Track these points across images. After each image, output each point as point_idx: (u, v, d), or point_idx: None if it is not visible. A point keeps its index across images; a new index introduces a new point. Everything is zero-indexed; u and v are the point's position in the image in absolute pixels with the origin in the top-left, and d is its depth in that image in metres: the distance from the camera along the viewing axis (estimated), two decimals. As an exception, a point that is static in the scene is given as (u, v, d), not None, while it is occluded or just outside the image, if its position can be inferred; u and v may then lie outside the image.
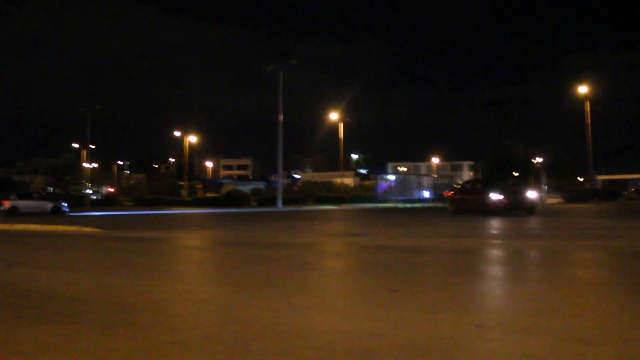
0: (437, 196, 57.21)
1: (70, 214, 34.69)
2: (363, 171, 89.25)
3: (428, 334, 4.02)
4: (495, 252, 10.19)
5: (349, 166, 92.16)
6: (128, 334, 4.18)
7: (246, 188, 71.91)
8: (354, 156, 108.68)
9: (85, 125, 69.45)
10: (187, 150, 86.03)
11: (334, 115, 73.92)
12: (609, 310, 4.94)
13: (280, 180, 55.50)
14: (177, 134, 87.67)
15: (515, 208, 24.37)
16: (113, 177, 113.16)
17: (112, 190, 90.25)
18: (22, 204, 35.47)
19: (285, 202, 52.27)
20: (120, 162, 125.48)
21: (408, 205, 49.97)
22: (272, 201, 53.09)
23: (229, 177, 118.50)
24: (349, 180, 68.41)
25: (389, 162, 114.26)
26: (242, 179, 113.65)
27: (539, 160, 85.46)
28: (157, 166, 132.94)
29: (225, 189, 76.40)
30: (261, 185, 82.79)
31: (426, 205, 49.68)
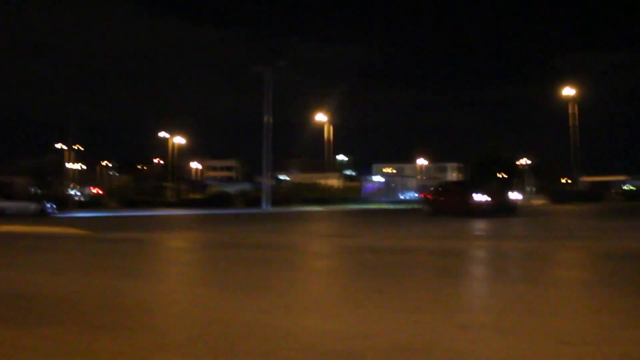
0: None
1: (55, 215, 34.43)
2: (349, 172, 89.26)
3: (412, 335, 4.05)
4: (479, 253, 10.26)
5: (335, 167, 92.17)
6: (112, 335, 4.17)
7: (232, 189, 71.72)
8: (340, 157, 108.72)
9: (70, 125, 69.00)
10: (173, 151, 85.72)
11: (320, 117, 74.03)
12: (589, 311, 5.00)
13: (266, 182, 55.42)
14: (163, 135, 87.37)
15: (498, 210, 23.94)
16: (98, 178, 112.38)
17: (97, 191, 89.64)
18: (6, 205, 35.12)
19: (271, 204, 52.19)
20: (105, 163, 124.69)
21: (393, 206, 50.08)
22: (257, 202, 52.99)
23: (215, 178, 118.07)
24: (335, 182, 68.42)
25: (375, 163, 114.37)
26: (228, 180, 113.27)
27: (524, 162, 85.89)
28: (142, 167, 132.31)
29: (211, 190, 76.09)
30: (247, 186, 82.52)
31: (411, 206, 49.81)
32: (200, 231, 18.24)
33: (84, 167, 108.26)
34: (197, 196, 67.88)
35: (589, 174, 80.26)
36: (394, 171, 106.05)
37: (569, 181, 73.46)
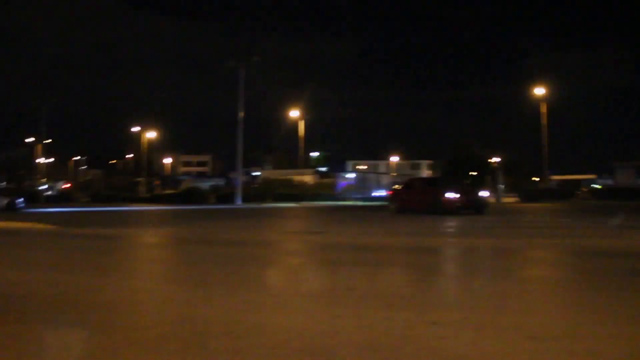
0: None
1: (25, 210, 33.96)
2: (323, 169, 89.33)
3: (384, 332, 4.06)
4: (449, 250, 10.34)
5: (309, 164, 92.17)
6: (81, 333, 4.12)
7: (205, 185, 71.48)
8: (314, 154, 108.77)
9: (41, 119, 68.04)
10: (146, 146, 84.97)
11: (294, 113, 73.99)
12: (558, 307, 5.08)
13: (239, 178, 55.26)
14: (135, 129, 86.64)
15: (468, 207, 23.79)
16: (69, 173, 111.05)
17: (67, 186, 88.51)
18: (-26, 200, 34.52)
19: (245, 200, 52.11)
20: (76, 158, 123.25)
21: (367, 203, 50.26)
22: (231, 198, 52.86)
23: (188, 173, 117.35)
24: (308, 178, 68.41)
25: (348, 160, 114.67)
26: (201, 175, 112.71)
27: (496, 160, 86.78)
28: (114, 162, 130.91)
29: (184, 185, 75.65)
30: (220, 182, 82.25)
31: (384, 203, 50.03)
32: (171, 227, 18.12)
33: (55, 161, 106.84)
34: (170, 192, 67.46)
35: (559, 173, 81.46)
36: (368, 168, 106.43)
37: (540, 180, 74.41)
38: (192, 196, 56.39)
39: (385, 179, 71.20)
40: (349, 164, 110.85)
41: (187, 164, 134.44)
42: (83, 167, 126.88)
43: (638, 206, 34.04)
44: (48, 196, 63.70)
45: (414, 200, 24.80)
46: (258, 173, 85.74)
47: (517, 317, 4.53)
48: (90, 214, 29.00)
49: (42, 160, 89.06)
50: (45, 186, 76.89)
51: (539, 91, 62.55)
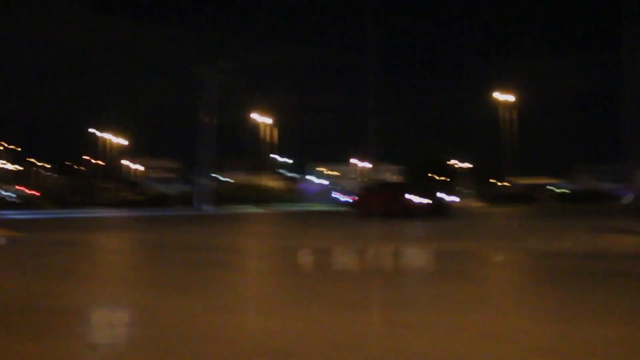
0: None
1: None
2: (289, 174, 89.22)
3: (345, 333, 4.11)
4: (412, 253, 10.44)
5: (275, 169, 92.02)
6: (39, 339, 4.07)
7: (171, 189, 70.85)
8: (280, 159, 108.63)
9: (4, 124, 66.79)
10: (111, 150, 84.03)
11: (261, 118, 73.87)
12: (515, 307, 5.19)
13: (205, 183, 54.94)
14: (101, 134, 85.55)
15: (432, 211, 23.38)
16: (33, 178, 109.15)
17: (30, 191, 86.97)
18: None
19: (210, 205, 51.80)
20: (39, 162, 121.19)
21: (334, 208, 50.32)
22: (198, 203, 52.49)
23: (154, 178, 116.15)
24: (274, 183, 68.36)
25: (315, 165, 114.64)
26: (167, 180, 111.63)
27: (462, 164, 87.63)
28: (79, 167, 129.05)
29: (150, 191, 74.91)
30: (186, 187, 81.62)
31: (349, 209, 50.06)
32: (135, 232, 17.96)
33: (18, 167, 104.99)
34: (135, 197, 66.70)
35: (523, 177, 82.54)
36: (334, 173, 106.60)
37: (505, 184, 75.37)
38: (158, 201, 55.92)
39: (352, 184, 71.46)
40: (317, 168, 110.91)
41: (153, 169, 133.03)
42: (47, 173, 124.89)
43: (598, 209, 34.72)
44: (10, 202, 62.47)
45: (378, 204, 24.20)
46: (225, 178, 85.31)
47: (475, 316, 4.61)
48: (52, 220, 28.53)
49: (4, 165, 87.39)
50: (8, 192, 75.45)
51: (504, 96, 63.55)
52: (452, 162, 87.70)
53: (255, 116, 74.06)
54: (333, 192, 62.33)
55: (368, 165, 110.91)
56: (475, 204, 55.33)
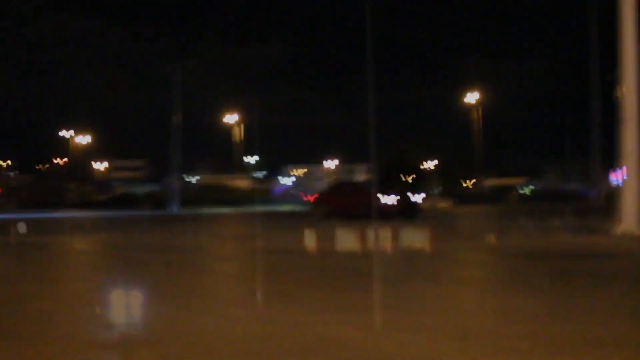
0: None
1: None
2: (260, 174, 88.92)
3: (316, 335, 4.10)
4: (383, 254, 10.46)
5: (245, 169, 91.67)
6: (9, 343, 4.00)
7: (139, 190, 70.16)
8: (251, 159, 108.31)
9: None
10: (78, 150, 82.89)
11: (231, 118, 73.60)
12: (484, 308, 5.25)
13: (174, 183, 54.51)
14: (67, 133, 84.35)
15: (400, 212, 22.90)
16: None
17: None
18: None
19: (179, 205, 51.41)
20: (3, 163, 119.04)
21: (303, 208, 50.28)
22: (165, 204, 52.07)
23: (122, 179, 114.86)
24: (245, 183, 68.10)
25: (286, 165, 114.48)
26: (136, 181, 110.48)
27: (431, 164, 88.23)
28: (44, 167, 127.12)
29: (117, 191, 74.08)
30: (155, 187, 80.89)
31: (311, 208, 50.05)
32: (102, 234, 17.72)
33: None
34: (102, 197, 65.91)
35: (493, 177, 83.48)
36: (304, 173, 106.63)
37: (473, 184, 76.21)
38: (125, 202, 55.28)
39: (322, 184, 71.54)
40: (286, 168, 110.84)
41: (120, 169, 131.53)
42: (10, 173, 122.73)
43: (564, 208, 35.30)
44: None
45: (343, 204, 23.61)
46: (194, 178, 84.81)
47: (448, 317, 4.65)
48: (17, 221, 28.04)
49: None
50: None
51: (474, 97, 64.33)
52: (422, 161, 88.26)
53: (225, 116, 73.72)
54: (299, 193, 62.32)
55: (337, 165, 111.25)
56: (443, 204, 55.76)
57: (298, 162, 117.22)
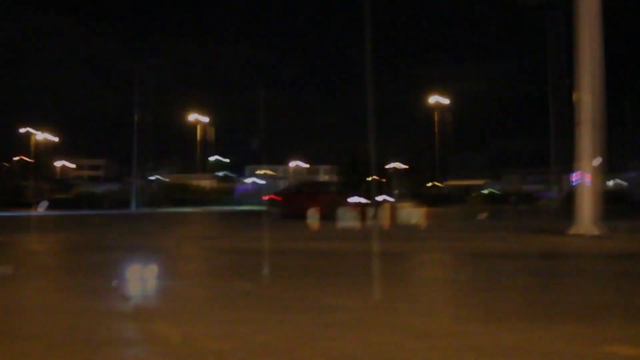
0: None
1: None
2: (222, 174, 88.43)
3: (277, 334, 4.11)
4: (342, 254, 10.50)
5: (209, 168, 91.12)
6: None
7: (99, 189, 69.20)
8: (214, 158, 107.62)
9: None
10: (34, 148, 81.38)
11: (194, 117, 73.11)
12: (446, 307, 5.32)
13: (136, 182, 53.93)
14: (24, 130, 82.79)
15: (361, 212, 21.75)
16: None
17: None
18: None
19: (141, 205, 50.91)
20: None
21: (264, 208, 50.13)
22: (126, 203, 51.49)
23: (81, 177, 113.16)
24: (207, 183, 67.72)
25: (248, 165, 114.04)
26: (95, 179, 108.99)
27: (393, 165, 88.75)
28: (4, 164, 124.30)
29: (77, 190, 72.90)
30: (115, 186, 79.84)
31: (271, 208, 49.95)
32: (61, 233, 17.41)
33: None
34: (61, 196, 64.80)
35: (454, 178, 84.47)
36: (270, 173, 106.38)
37: (433, 185, 77.00)
38: (85, 201, 54.44)
39: (283, 184, 71.44)
40: (249, 169, 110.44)
41: (81, 167, 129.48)
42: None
43: (523, 209, 35.96)
44: None
45: (301, 204, 22.98)
46: (157, 177, 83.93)
47: (406, 317, 4.70)
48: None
49: None
50: None
51: (436, 100, 65.08)
52: (385, 162, 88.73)
53: (192, 115, 73.23)
54: (262, 193, 62.17)
55: (304, 165, 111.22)
56: (405, 204, 56.16)
57: (263, 163, 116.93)
